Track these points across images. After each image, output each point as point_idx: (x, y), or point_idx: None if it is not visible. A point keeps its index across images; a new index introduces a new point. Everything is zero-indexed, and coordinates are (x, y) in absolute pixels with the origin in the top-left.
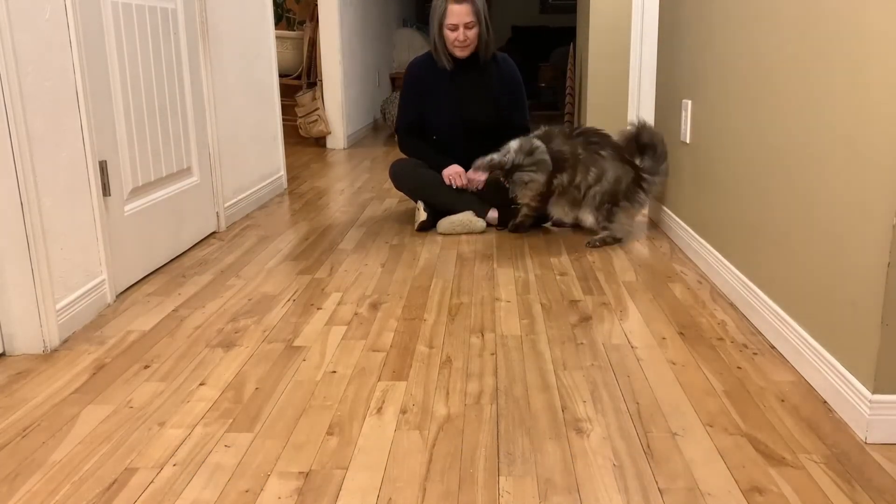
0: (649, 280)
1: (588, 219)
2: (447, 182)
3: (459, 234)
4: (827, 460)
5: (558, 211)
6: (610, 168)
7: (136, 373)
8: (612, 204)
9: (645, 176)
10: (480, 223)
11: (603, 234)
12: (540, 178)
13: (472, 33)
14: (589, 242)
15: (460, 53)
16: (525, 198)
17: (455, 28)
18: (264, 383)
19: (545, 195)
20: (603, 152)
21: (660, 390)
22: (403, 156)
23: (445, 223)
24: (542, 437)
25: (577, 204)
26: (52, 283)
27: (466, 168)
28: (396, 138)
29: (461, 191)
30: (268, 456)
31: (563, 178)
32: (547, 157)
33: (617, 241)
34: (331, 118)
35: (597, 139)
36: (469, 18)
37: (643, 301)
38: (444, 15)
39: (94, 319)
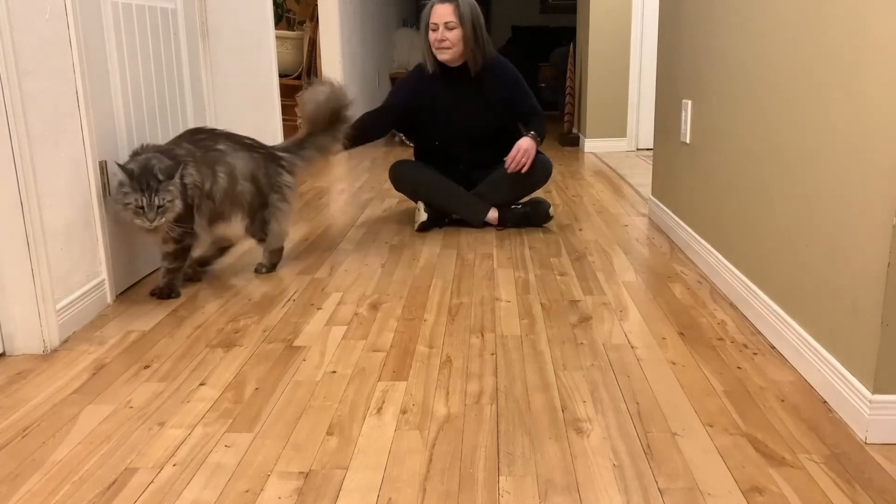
0: (649, 280)
1: (238, 227)
2: None
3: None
4: (827, 460)
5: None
6: (237, 162)
7: (136, 373)
8: (262, 207)
9: (282, 154)
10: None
11: (263, 260)
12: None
13: (453, 35)
14: (257, 268)
15: (441, 56)
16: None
17: (436, 28)
18: (264, 383)
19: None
20: (220, 146)
21: (660, 390)
22: (402, 156)
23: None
24: (542, 437)
25: (218, 217)
26: (52, 283)
27: (470, 177)
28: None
29: (461, 191)
30: (268, 456)
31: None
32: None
33: (276, 264)
34: None
35: (203, 135)
36: (449, 18)
37: (643, 301)
38: (428, 14)
39: (94, 319)
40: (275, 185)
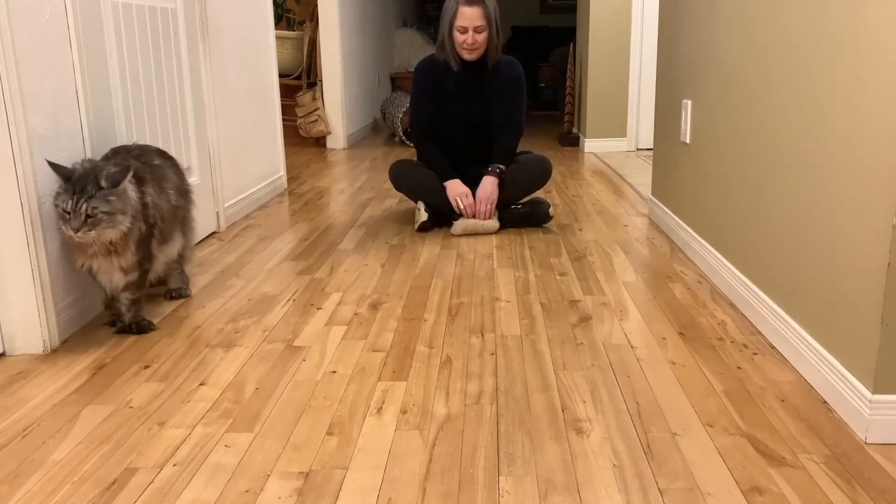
0: (649, 280)
1: (173, 251)
2: (452, 202)
3: (477, 234)
4: (827, 460)
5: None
6: (172, 175)
7: (136, 373)
8: (184, 222)
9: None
10: (494, 223)
11: (180, 282)
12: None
13: (482, 37)
14: (181, 292)
15: (468, 56)
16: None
17: (465, 31)
18: (264, 383)
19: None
20: (156, 161)
21: (660, 390)
22: (402, 156)
23: (459, 227)
24: (542, 437)
25: (166, 240)
26: (53, 283)
27: (466, 171)
28: (409, 136)
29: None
30: (268, 456)
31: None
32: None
33: (187, 291)
34: (331, 118)
35: (136, 151)
36: (479, 22)
37: (643, 301)
38: (454, 16)
39: (95, 319)
40: (188, 193)
